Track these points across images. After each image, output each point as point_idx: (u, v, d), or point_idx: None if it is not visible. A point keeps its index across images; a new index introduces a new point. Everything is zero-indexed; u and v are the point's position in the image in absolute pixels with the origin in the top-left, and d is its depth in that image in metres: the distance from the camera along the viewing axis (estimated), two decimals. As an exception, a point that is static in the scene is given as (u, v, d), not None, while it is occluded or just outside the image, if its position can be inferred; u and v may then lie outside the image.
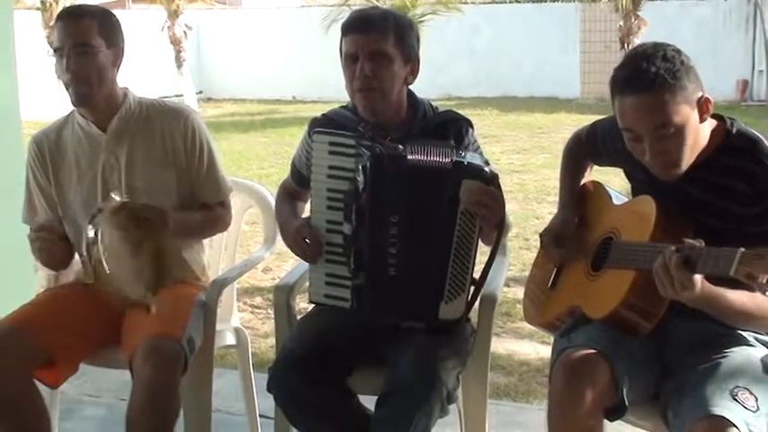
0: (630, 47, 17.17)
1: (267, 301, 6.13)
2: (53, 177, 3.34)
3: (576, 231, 3.01)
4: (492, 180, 2.83)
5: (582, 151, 3.15)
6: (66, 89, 3.20)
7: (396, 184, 2.85)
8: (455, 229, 2.83)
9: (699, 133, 2.60)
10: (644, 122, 2.55)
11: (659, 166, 2.61)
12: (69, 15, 3.22)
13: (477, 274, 2.97)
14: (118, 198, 2.96)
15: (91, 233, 2.95)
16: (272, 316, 5.61)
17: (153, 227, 2.97)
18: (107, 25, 3.23)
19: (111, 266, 2.96)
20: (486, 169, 2.84)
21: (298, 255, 3.07)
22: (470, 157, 2.88)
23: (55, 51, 3.23)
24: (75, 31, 3.17)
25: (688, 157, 2.60)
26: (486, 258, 2.98)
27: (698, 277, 2.33)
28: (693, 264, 2.31)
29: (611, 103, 2.63)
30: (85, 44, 3.15)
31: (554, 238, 3.00)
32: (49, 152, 3.35)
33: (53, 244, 3.16)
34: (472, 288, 2.95)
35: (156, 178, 3.26)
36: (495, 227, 2.91)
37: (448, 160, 2.84)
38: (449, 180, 2.82)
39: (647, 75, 2.51)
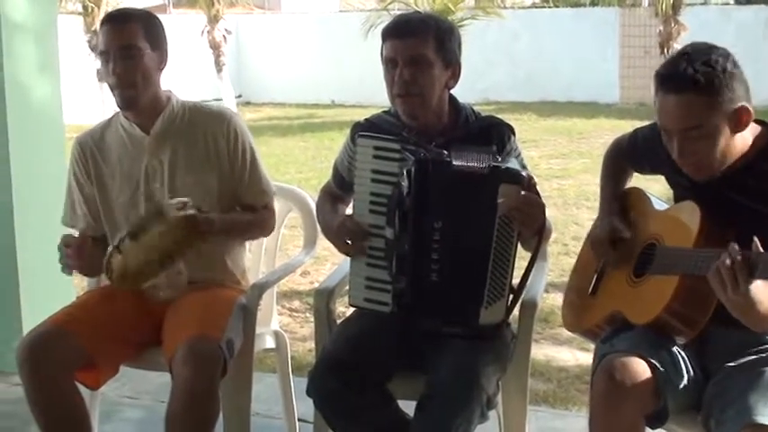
0: (670, 52, 17.07)
1: (305, 305, 6.14)
2: (95, 179, 3.37)
3: (619, 238, 2.98)
4: (529, 184, 2.82)
5: (623, 158, 3.13)
6: (112, 92, 3.22)
7: (439, 189, 2.84)
8: (494, 234, 2.82)
9: (733, 140, 2.58)
10: (674, 122, 2.56)
11: (687, 167, 2.64)
12: (114, 19, 3.25)
13: (517, 279, 2.95)
14: (185, 201, 3.00)
15: (136, 228, 2.97)
16: (311, 319, 5.67)
17: (200, 237, 3.03)
18: (151, 28, 3.25)
19: (129, 260, 2.97)
20: (523, 173, 2.83)
21: (341, 250, 3.07)
22: (505, 162, 2.87)
23: (100, 55, 3.25)
24: (121, 35, 3.19)
25: (720, 162, 2.59)
26: (525, 263, 2.97)
27: (756, 282, 2.32)
28: (754, 268, 2.30)
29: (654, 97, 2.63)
30: (131, 47, 3.18)
31: (610, 244, 2.97)
32: (91, 154, 3.37)
33: (80, 258, 3.15)
34: (512, 293, 2.93)
35: (199, 181, 3.28)
36: (536, 232, 2.89)
37: (487, 166, 2.82)
38: (488, 185, 2.80)
39: (684, 76, 2.51)
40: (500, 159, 2.87)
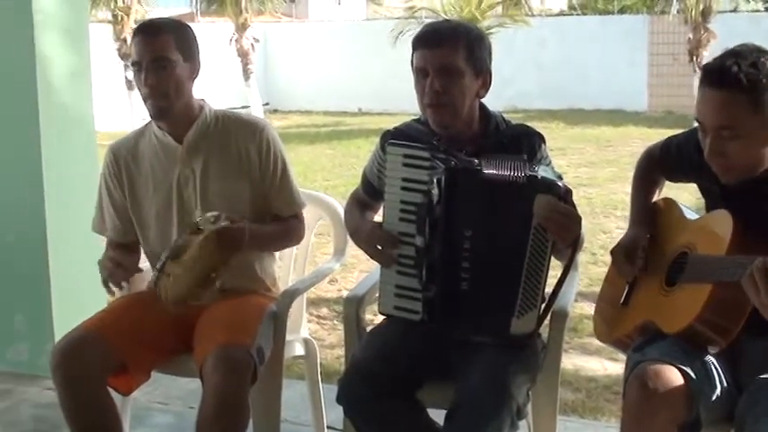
0: (699, 59, 17.03)
1: (333, 312, 6.16)
2: (128, 187, 3.38)
3: (649, 247, 2.97)
4: (565, 195, 2.81)
5: (655, 168, 3.12)
6: (144, 102, 3.23)
7: (470, 197, 2.83)
8: (528, 244, 2.81)
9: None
10: (709, 117, 2.56)
11: (715, 166, 2.63)
12: (146, 30, 3.25)
13: (548, 289, 2.95)
14: (218, 215, 3.04)
15: (176, 248, 3.00)
16: (339, 327, 5.69)
17: (233, 248, 3.07)
18: (183, 39, 3.26)
19: (173, 279, 3.00)
20: (560, 184, 2.81)
21: (371, 256, 3.07)
22: (543, 171, 2.86)
23: (132, 65, 3.26)
24: (153, 46, 3.20)
25: (750, 167, 2.58)
26: (556, 272, 2.96)
27: None
28: None
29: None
30: (163, 59, 3.19)
31: (625, 255, 2.96)
32: (124, 162, 3.39)
33: (117, 275, 3.19)
34: (543, 303, 2.93)
35: (231, 190, 3.29)
36: (570, 244, 2.88)
37: (522, 174, 2.82)
38: (522, 194, 2.79)
39: (727, 73, 2.51)
40: (536, 168, 2.86)
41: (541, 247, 2.81)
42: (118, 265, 3.17)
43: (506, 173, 2.82)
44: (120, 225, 3.42)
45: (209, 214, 3.06)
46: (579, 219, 2.82)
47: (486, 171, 2.82)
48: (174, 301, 3.01)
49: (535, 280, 2.84)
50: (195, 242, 2.97)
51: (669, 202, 3.10)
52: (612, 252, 3.02)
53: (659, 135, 3.20)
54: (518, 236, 2.81)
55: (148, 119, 3.40)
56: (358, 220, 3.25)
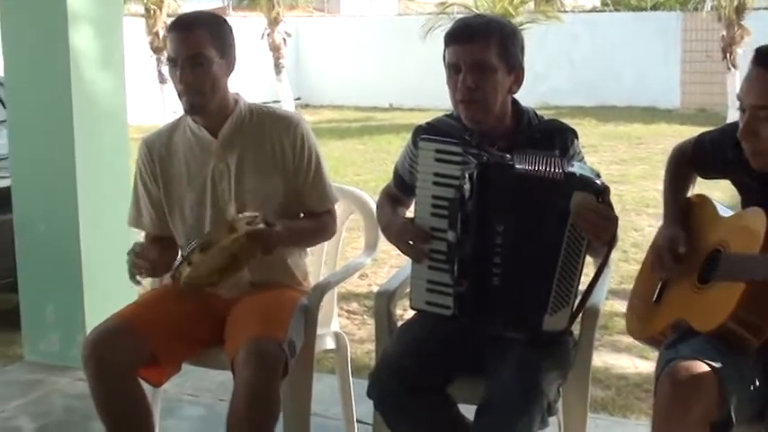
0: (733, 57, 16.91)
1: (363, 307, 6.16)
2: (162, 180, 3.39)
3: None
4: (603, 193, 2.79)
5: (687, 164, 3.11)
6: (180, 98, 3.23)
7: (502, 193, 2.82)
8: (563, 241, 2.79)
9: None
10: (750, 96, 2.59)
11: (745, 147, 2.64)
12: (182, 25, 3.23)
13: (580, 286, 2.93)
14: (255, 216, 3.04)
15: (205, 241, 2.99)
16: (369, 321, 5.69)
17: (264, 250, 3.07)
18: (219, 34, 3.25)
19: (194, 270, 3.00)
20: (598, 182, 2.80)
21: (403, 251, 3.06)
22: (580, 168, 2.84)
23: (168, 61, 3.26)
24: (188, 43, 3.18)
25: None
26: (587, 270, 2.95)
27: None
28: None
29: None
30: (199, 55, 3.17)
31: (669, 252, 2.94)
32: (158, 155, 3.40)
33: (146, 269, 3.19)
34: (577, 301, 2.91)
35: (265, 185, 3.29)
36: (606, 243, 2.87)
37: (559, 171, 2.80)
38: (559, 191, 2.78)
39: None
40: (573, 165, 2.84)
41: (577, 244, 2.80)
42: (145, 259, 3.17)
43: (542, 169, 2.81)
44: (156, 218, 3.43)
45: (246, 214, 3.06)
46: (616, 219, 2.81)
47: (518, 166, 2.82)
48: (186, 282, 2.99)
49: (569, 277, 2.83)
50: (225, 239, 2.97)
51: (702, 199, 3.08)
52: (656, 250, 3.00)
53: (692, 133, 3.18)
54: (553, 232, 2.80)
55: (181, 112, 3.40)
56: (390, 215, 3.25)
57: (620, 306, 5.28)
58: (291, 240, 3.29)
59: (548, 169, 2.81)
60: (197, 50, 3.17)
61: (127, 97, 4.91)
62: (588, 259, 2.95)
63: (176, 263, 3.03)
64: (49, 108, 4.68)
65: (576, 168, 2.83)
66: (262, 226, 3.02)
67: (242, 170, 3.30)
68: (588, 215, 2.74)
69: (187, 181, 3.35)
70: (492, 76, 2.96)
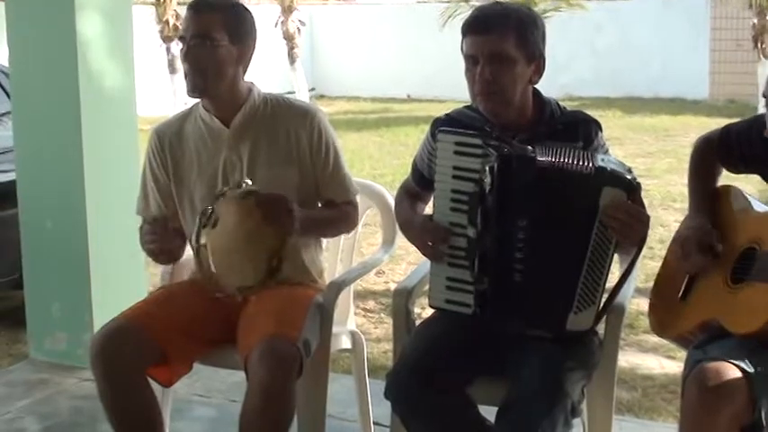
0: (764, 46, 16.83)
1: (380, 305, 6.16)
2: (172, 170, 3.40)
3: (709, 246, 2.94)
4: (635, 190, 2.78)
5: (713, 155, 3.09)
6: (185, 78, 3.25)
7: (524, 186, 2.82)
8: (591, 237, 2.79)
9: None
10: None
11: None
12: (197, 6, 3.26)
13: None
14: (249, 183, 3.02)
15: (204, 218, 2.98)
16: (386, 320, 5.69)
17: (279, 221, 3.05)
18: (234, 20, 3.26)
19: (217, 253, 2.99)
20: (629, 177, 2.79)
21: (423, 252, 3.06)
22: (610, 163, 2.83)
23: (179, 39, 3.29)
24: (198, 23, 3.21)
25: None
26: (614, 266, 2.94)
27: None
28: None
29: None
30: (205, 36, 3.19)
31: (697, 245, 2.92)
32: (169, 145, 3.41)
33: (163, 238, 3.19)
34: (603, 299, 2.90)
35: (278, 176, 3.29)
36: (635, 243, 2.86)
37: (588, 165, 2.79)
38: (587, 186, 2.78)
39: None
40: (603, 159, 2.83)
41: (605, 242, 2.79)
42: (156, 235, 3.18)
43: (568, 161, 2.80)
44: (164, 208, 3.43)
45: (241, 186, 3.05)
46: (647, 218, 2.80)
47: (540, 159, 2.81)
48: (227, 288, 3.00)
49: (596, 275, 2.82)
50: (227, 209, 2.96)
51: (732, 190, 3.06)
52: (682, 243, 2.98)
53: (720, 125, 3.16)
54: (579, 229, 2.80)
55: (191, 103, 3.41)
56: (408, 212, 3.25)
57: (647, 305, 5.26)
58: (314, 225, 3.29)
59: (575, 162, 2.80)
60: (205, 30, 3.19)
61: (136, 88, 4.92)
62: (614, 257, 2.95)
63: (194, 251, 3.01)
64: (55, 99, 4.69)
65: (606, 162, 2.82)
66: (254, 188, 3.03)
67: (255, 161, 3.30)
68: (618, 214, 2.74)
69: (197, 171, 3.36)
70: (511, 68, 2.95)
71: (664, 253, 3.23)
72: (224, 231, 2.99)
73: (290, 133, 3.32)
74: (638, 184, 2.80)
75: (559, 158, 2.81)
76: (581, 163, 2.80)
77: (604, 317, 2.97)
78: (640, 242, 2.85)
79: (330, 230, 3.50)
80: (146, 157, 3.47)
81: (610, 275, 2.87)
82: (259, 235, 3.05)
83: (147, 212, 3.49)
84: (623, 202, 2.75)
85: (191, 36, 3.21)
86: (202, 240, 2.98)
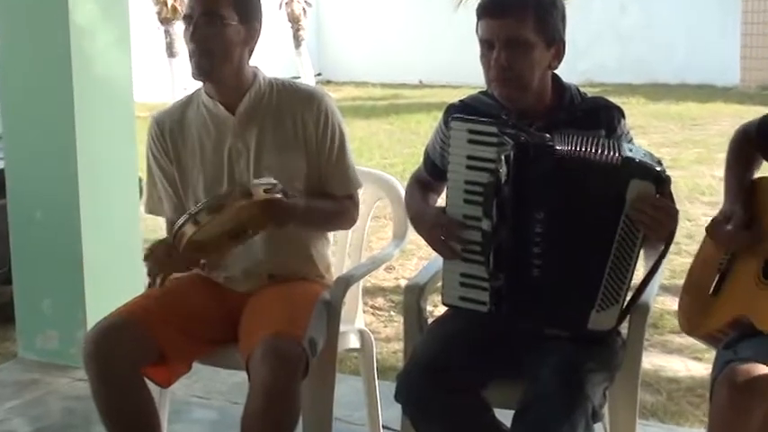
0: (798, 29, 16.76)
1: (390, 303, 6.16)
2: (174, 160, 3.40)
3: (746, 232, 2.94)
4: (664, 183, 2.77)
5: (751, 147, 3.09)
6: (190, 60, 3.25)
7: (542, 176, 2.82)
8: (616, 232, 2.79)
9: None
10: None
11: None
12: None
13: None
14: (273, 184, 3.02)
15: (215, 202, 2.96)
16: (396, 318, 5.69)
17: (276, 223, 3.07)
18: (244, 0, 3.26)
19: (207, 227, 2.95)
20: (659, 169, 2.78)
21: (435, 249, 3.07)
22: (638, 153, 2.82)
23: (184, 18, 3.28)
24: (207, 0, 3.20)
25: None
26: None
27: None
28: None
29: None
30: (214, 14, 3.19)
31: (742, 222, 2.92)
32: (170, 133, 3.41)
33: (162, 264, 3.16)
34: (627, 298, 2.90)
35: (286, 163, 3.30)
36: (663, 239, 2.85)
37: (615, 155, 2.78)
38: (614, 178, 2.78)
39: None
40: (631, 149, 2.82)
41: (632, 237, 2.79)
42: (168, 256, 3.12)
43: (591, 151, 2.79)
44: (177, 201, 3.42)
45: (263, 180, 3.05)
46: (676, 213, 2.80)
47: (559, 148, 2.81)
48: (188, 244, 2.97)
49: (621, 273, 2.83)
50: (238, 204, 2.94)
51: None
52: (713, 226, 2.98)
53: (753, 113, 3.16)
54: (603, 222, 2.80)
55: (191, 89, 3.41)
56: (419, 204, 3.25)
57: (672, 303, 5.26)
58: (308, 218, 3.27)
59: (599, 152, 2.80)
60: (213, 7, 3.19)
61: (133, 72, 4.92)
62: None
63: (180, 221, 2.97)
64: (46, 84, 4.69)
65: (634, 153, 2.81)
66: (279, 196, 3.02)
67: (261, 148, 3.31)
68: (646, 208, 2.74)
69: (201, 161, 3.36)
70: (528, 53, 2.95)
71: (691, 248, 3.24)
72: (218, 216, 2.95)
73: (297, 119, 3.33)
74: (668, 176, 2.80)
75: (580, 147, 2.81)
76: (606, 153, 2.79)
77: (628, 316, 2.96)
78: (668, 238, 2.84)
79: (326, 225, 3.49)
80: (147, 149, 3.46)
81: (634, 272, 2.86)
82: (247, 222, 3.05)
83: (157, 208, 3.48)
84: (652, 196, 2.74)
85: (199, 14, 3.20)
86: (199, 218, 2.92)
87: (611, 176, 2.78)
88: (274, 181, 3.04)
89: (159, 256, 3.13)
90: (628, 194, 2.75)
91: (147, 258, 3.15)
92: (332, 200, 3.41)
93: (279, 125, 3.32)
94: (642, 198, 2.74)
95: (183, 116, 3.42)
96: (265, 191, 2.99)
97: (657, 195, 2.77)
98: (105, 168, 4.72)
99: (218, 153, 3.34)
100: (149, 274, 3.16)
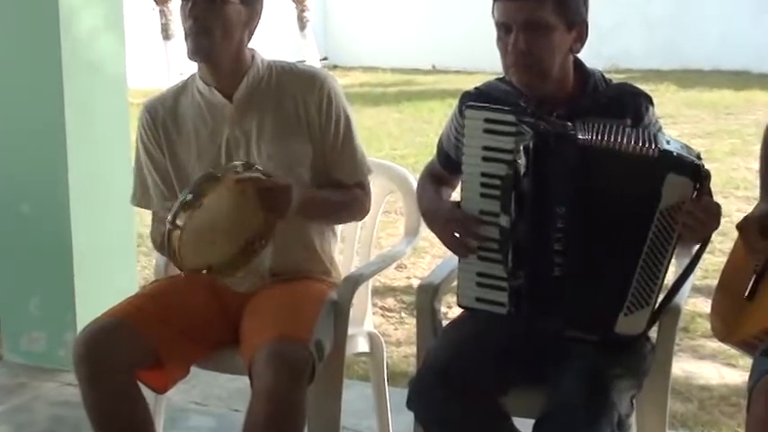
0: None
1: (401, 303, 6.16)
2: (167, 151, 3.40)
3: None
4: (704, 179, 2.77)
5: None
6: (186, 39, 3.25)
7: (564, 168, 2.82)
8: (649, 230, 2.79)
9: None
10: None
11: None
12: None
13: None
14: (254, 165, 3.01)
15: (189, 197, 2.91)
16: (407, 320, 5.70)
17: (276, 211, 3.06)
18: None
19: (192, 232, 2.92)
20: (698, 164, 2.78)
21: (449, 247, 3.07)
22: (674, 145, 2.81)
23: None
24: None
25: None
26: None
27: None
28: None
29: None
30: None
31: (760, 230, 2.92)
32: (162, 123, 3.41)
33: None
34: (659, 301, 2.90)
35: (289, 152, 3.30)
36: (701, 240, 2.85)
37: (651, 147, 2.77)
38: (648, 171, 2.77)
39: None
40: (666, 141, 2.81)
41: (666, 235, 2.80)
42: None
43: (621, 141, 2.79)
44: (168, 194, 3.42)
45: (235, 162, 3.04)
46: (719, 212, 2.79)
47: (581, 137, 2.81)
48: (195, 267, 2.98)
49: (653, 274, 2.83)
50: (217, 192, 2.92)
51: None
52: (743, 226, 2.98)
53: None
54: (634, 219, 2.81)
55: (187, 73, 3.41)
56: (432, 198, 3.26)
57: (704, 305, 5.26)
58: (312, 207, 3.27)
59: (634, 143, 2.79)
60: None
61: (126, 56, 4.92)
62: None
63: (165, 230, 2.94)
64: (33, 67, 4.69)
65: (672, 145, 2.80)
66: (253, 175, 3.01)
67: (261, 136, 3.31)
68: (685, 206, 2.73)
69: (197, 152, 3.36)
70: (548, 37, 2.95)
71: (725, 246, 3.24)
72: (208, 216, 2.94)
73: (298, 102, 3.33)
74: (708, 171, 2.79)
75: (608, 137, 2.80)
76: (640, 144, 2.79)
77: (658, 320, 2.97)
78: (706, 237, 2.85)
79: (335, 217, 3.50)
80: (137, 139, 3.46)
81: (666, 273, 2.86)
82: (249, 223, 3.05)
83: (146, 201, 3.48)
84: (690, 193, 2.74)
85: None
86: (179, 222, 2.90)
87: (644, 170, 2.78)
88: (247, 161, 3.04)
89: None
90: (663, 190, 2.75)
91: None
92: (340, 189, 3.41)
93: (279, 110, 3.32)
94: (680, 195, 2.74)
95: (177, 104, 3.42)
96: (237, 172, 2.98)
97: (695, 192, 2.77)
98: (97, 159, 4.73)
99: (216, 144, 3.34)
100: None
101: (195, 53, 3.26)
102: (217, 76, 3.33)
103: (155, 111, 3.43)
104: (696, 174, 2.77)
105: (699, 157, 2.83)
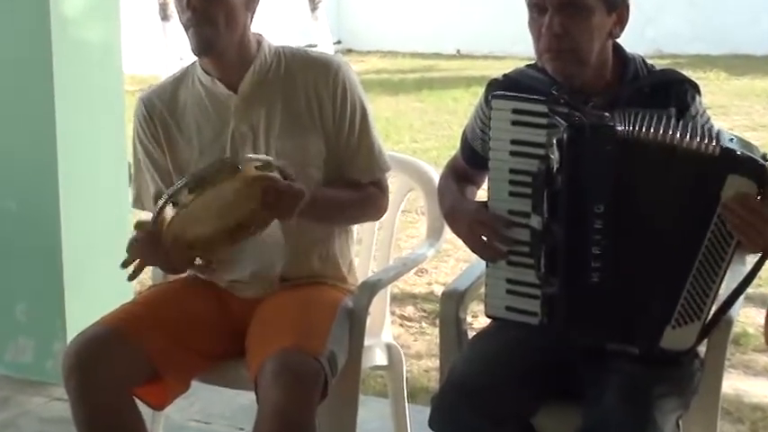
0: None
1: (421, 312, 6.16)
2: (166, 148, 3.40)
3: None
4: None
5: None
6: (186, 32, 3.24)
7: (601, 164, 2.80)
8: (705, 236, 2.77)
9: None
10: None
11: None
12: None
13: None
14: (269, 161, 3.01)
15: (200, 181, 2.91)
16: (428, 331, 5.70)
17: (279, 215, 3.07)
18: None
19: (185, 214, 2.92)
20: (765, 164, 2.75)
21: (475, 251, 3.07)
22: (738, 143, 2.78)
23: None
24: None
25: None
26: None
27: None
28: None
29: None
30: None
31: None
32: (160, 117, 3.41)
33: (145, 250, 3.11)
34: (711, 313, 2.89)
35: (300, 146, 3.30)
36: (763, 248, 2.84)
37: (711, 144, 2.75)
38: (706, 170, 2.75)
39: None
40: (731, 139, 2.78)
41: (724, 243, 2.78)
42: (152, 245, 3.06)
43: (675, 135, 2.76)
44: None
45: (255, 156, 3.04)
46: None
47: (620, 128, 2.79)
48: (175, 238, 2.96)
49: (706, 284, 2.82)
50: (225, 182, 2.92)
51: None
52: None
53: None
54: (686, 223, 2.80)
55: (186, 59, 3.40)
56: (455, 197, 3.25)
57: (757, 315, 5.26)
58: (322, 208, 3.27)
59: (690, 138, 2.77)
60: None
61: (122, 40, 4.93)
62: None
63: (159, 203, 2.95)
64: (21, 52, 4.70)
65: (735, 143, 2.78)
66: (274, 174, 3.00)
67: (270, 130, 3.31)
68: (743, 213, 2.71)
69: (199, 149, 3.36)
70: (586, 19, 2.94)
71: (780, 251, 3.21)
72: (210, 199, 2.93)
73: (310, 94, 3.33)
74: None
75: (653, 130, 2.79)
76: (697, 139, 2.77)
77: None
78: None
79: (348, 217, 3.49)
80: (134, 134, 3.47)
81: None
82: (245, 208, 3.05)
83: (146, 201, 3.49)
84: (754, 197, 2.72)
85: None
86: (183, 199, 2.89)
87: (701, 168, 2.76)
88: (268, 158, 3.04)
89: (142, 245, 3.09)
90: (724, 192, 2.73)
91: (129, 249, 3.12)
92: (354, 187, 3.41)
93: (289, 103, 3.32)
94: (743, 199, 2.72)
95: (176, 96, 3.42)
96: (257, 168, 2.97)
97: (759, 197, 2.75)
98: (89, 152, 4.74)
99: (220, 141, 3.34)
100: (123, 263, 3.13)
101: (201, 46, 3.24)
102: (221, 66, 3.33)
103: (152, 103, 3.43)
104: (762, 176, 2.74)
105: (765, 158, 2.79)
